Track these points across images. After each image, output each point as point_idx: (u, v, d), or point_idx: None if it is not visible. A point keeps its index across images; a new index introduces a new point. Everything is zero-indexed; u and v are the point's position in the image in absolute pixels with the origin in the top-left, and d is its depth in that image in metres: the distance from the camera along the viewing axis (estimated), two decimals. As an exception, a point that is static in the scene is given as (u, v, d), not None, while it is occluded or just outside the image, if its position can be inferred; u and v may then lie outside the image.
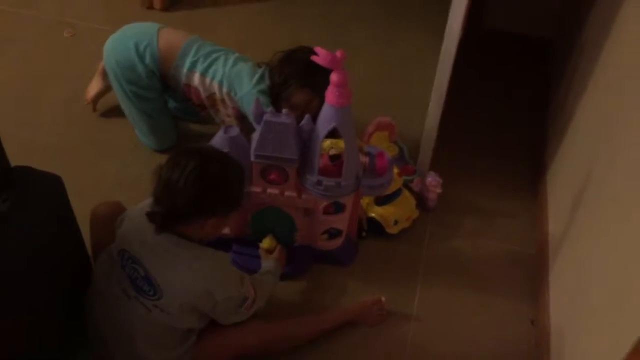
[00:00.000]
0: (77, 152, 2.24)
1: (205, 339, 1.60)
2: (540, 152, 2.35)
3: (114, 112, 2.36)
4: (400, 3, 3.12)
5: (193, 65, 2.09)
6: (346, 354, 1.77)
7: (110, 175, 2.18)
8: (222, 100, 2.12)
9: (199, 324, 1.58)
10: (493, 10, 2.88)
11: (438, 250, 2.06)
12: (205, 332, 1.61)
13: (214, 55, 2.09)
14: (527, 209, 2.20)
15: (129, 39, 2.12)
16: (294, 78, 2.00)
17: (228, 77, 2.06)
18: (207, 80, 2.09)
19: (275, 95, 2.04)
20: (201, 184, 1.43)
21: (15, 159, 1.46)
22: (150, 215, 1.47)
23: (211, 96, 2.13)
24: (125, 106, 2.22)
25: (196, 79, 2.10)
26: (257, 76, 2.04)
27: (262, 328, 1.66)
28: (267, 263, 1.82)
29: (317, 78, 1.82)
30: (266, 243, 1.87)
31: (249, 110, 1.95)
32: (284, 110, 1.69)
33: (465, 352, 1.80)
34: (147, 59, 2.10)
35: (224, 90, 2.08)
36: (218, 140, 1.74)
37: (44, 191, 1.46)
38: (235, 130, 1.74)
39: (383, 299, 1.85)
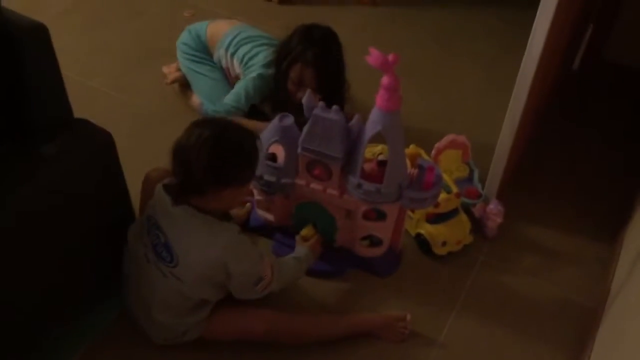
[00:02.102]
0: (161, 121, 2.38)
1: (214, 319, 1.63)
2: (628, 206, 2.13)
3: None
4: (515, 20, 2.97)
5: (227, 47, 2.24)
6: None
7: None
8: None
9: (212, 296, 1.61)
10: (616, 41, 2.65)
11: (485, 282, 1.94)
12: (217, 312, 1.64)
13: (247, 39, 2.20)
14: (597, 260, 2.00)
15: (187, 29, 2.40)
16: (288, 55, 2.07)
17: (248, 55, 2.16)
18: (235, 61, 2.21)
19: (277, 70, 2.11)
20: (217, 152, 1.45)
21: (103, 116, 1.60)
22: (166, 187, 1.53)
23: (238, 77, 2.24)
24: (191, 77, 2.35)
25: (228, 59, 2.25)
26: (268, 60, 2.11)
27: (272, 318, 1.66)
28: (299, 249, 1.81)
29: (305, 49, 2.02)
30: (305, 231, 1.87)
31: (246, 89, 2.16)
32: (334, 107, 1.68)
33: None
34: (196, 36, 2.33)
35: (242, 68, 2.19)
36: (271, 128, 1.78)
37: (93, 143, 1.57)
38: (289, 120, 1.76)
39: (409, 317, 1.78)
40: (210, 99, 2.29)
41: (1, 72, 1.38)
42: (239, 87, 2.20)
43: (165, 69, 2.51)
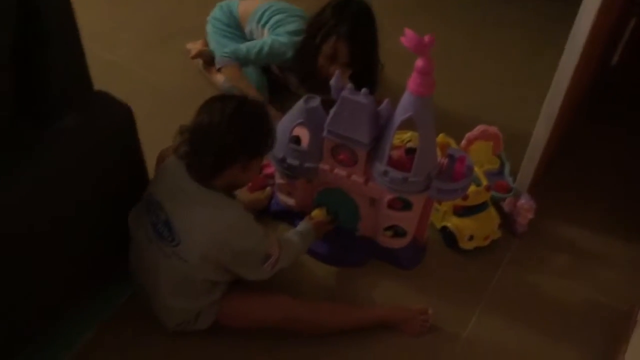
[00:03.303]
0: (181, 99, 2.30)
1: (231, 304, 1.58)
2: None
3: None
4: (552, 13, 2.85)
5: (259, 19, 2.21)
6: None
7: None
8: None
9: (217, 276, 1.55)
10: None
11: (513, 279, 1.86)
12: (232, 297, 1.59)
13: (278, 11, 2.17)
14: (630, 262, 1.91)
15: (218, 5, 2.36)
16: (321, 28, 2.03)
17: (276, 24, 2.13)
18: (265, 31, 2.17)
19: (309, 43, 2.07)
20: (245, 122, 1.45)
21: (124, 92, 1.56)
22: (184, 157, 1.47)
23: None
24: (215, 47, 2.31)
25: (259, 31, 2.21)
26: (296, 29, 2.09)
27: (290, 305, 1.61)
28: (302, 224, 1.76)
29: (340, 22, 1.99)
30: (316, 212, 1.80)
31: (263, 46, 2.13)
32: (363, 90, 1.60)
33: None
34: (228, 12, 2.31)
35: (269, 33, 2.17)
36: (296, 109, 1.71)
37: (113, 116, 1.52)
38: (315, 102, 1.69)
39: (430, 311, 1.71)
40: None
41: (23, 41, 1.33)
42: (258, 42, 2.17)
43: (189, 45, 2.45)
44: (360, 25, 2.01)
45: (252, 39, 2.28)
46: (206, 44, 2.42)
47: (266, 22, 2.21)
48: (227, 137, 1.43)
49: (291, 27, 2.15)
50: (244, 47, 2.18)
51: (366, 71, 2.06)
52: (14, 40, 1.30)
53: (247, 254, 1.52)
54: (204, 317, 1.59)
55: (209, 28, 2.36)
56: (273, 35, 2.16)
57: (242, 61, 2.18)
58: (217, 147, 1.44)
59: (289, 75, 2.26)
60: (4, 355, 1.51)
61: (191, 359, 1.63)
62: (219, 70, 2.23)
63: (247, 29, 2.29)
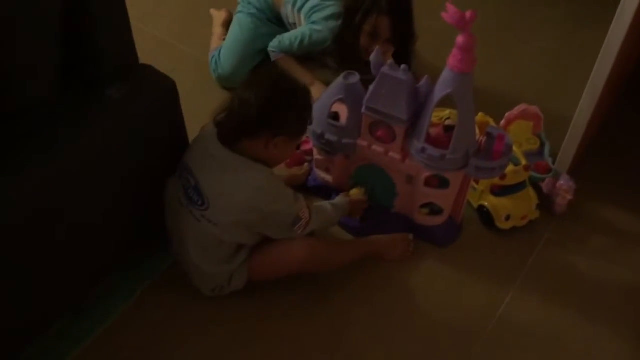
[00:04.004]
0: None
1: (259, 258, 1.63)
2: None
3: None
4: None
5: (294, 4, 2.20)
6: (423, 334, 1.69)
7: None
8: None
9: (248, 240, 1.60)
10: None
11: (549, 261, 1.85)
12: (258, 251, 1.63)
13: None
14: (673, 246, 1.88)
15: None
16: (360, 7, 2.03)
17: (314, 8, 2.12)
18: (301, 16, 2.18)
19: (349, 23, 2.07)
20: (272, 97, 1.49)
21: (167, 66, 1.62)
22: (219, 124, 1.52)
23: None
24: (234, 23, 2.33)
25: (295, 15, 2.21)
26: (332, 13, 2.09)
27: (309, 243, 1.66)
28: (338, 198, 1.81)
29: None
30: (354, 191, 1.83)
31: (302, 38, 2.16)
32: (403, 66, 1.60)
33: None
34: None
35: (305, 21, 2.16)
36: (335, 85, 1.72)
37: (158, 89, 1.56)
38: (355, 78, 1.70)
39: (411, 236, 1.83)
40: (227, 47, 2.28)
41: (70, 13, 1.37)
42: (297, 33, 2.19)
43: (213, 11, 2.51)
44: None
45: (287, 22, 2.29)
46: (230, 13, 2.45)
47: (302, 7, 2.20)
48: (251, 109, 1.48)
49: (327, 12, 2.14)
50: (286, 39, 2.21)
51: (403, 44, 2.06)
52: (64, 11, 1.34)
53: (277, 216, 1.56)
54: (236, 278, 1.64)
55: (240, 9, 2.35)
56: (310, 24, 2.17)
57: (287, 52, 2.22)
58: (242, 117, 1.49)
59: (328, 59, 2.27)
60: (47, 321, 1.59)
61: (231, 321, 1.69)
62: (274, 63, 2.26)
63: (282, 12, 2.28)
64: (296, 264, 1.64)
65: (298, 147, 2.03)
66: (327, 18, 2.13)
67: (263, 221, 1.56)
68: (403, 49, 2.06)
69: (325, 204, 1.76)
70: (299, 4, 2.21)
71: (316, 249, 1.66)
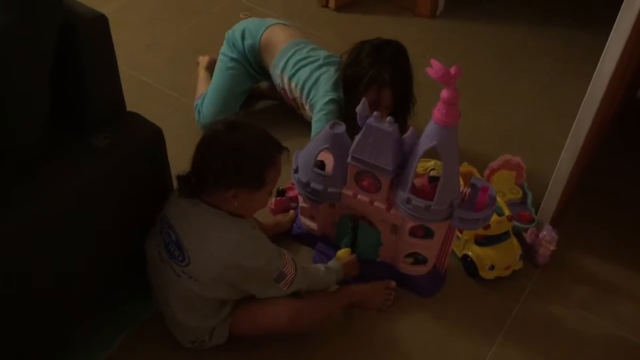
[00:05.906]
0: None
1: (241, 315, 1.61)
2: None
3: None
4: (577, 42, 2.86)
5: (284, 67, 2.16)
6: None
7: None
8: (303, 105, 2.17)
9: (228, 295, 1.57)
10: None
11: (533, 311, 1.85)
12: (239, 308, 1.61)
13: (304, 61, 2.13)
14: (655, 298, 1.90)
15: (243, 25, 2.28)
16: (361, 78, 1.99)
17: (308, 82, 2.10)
18: (293, 84, 2.15)
19: (349, 94, 2.03)
20: (217, 151, 1.47)
21: (154, 112, 1.62)
22: (178, 179, 1.52)
23: (295, 100, 2.19)
24: (217, 66, 2.31)
25: (285, 81, 2.17)
26: (332, 83, 2.05)
27: (295, 303, 1.63)
28: (332, 262, 1.80)
29: (380, 70, 1.96)
30: (340, 253, 1.83)
31: (318, 117, 2.06)
32: (389, 118, 1.63)
33: None
34: (247, 47, 2.23)
35: (304, 95, 2.12)
36: (322, 134, 1.74)
37: (143, 137, 1.57)
38: (341, 128, 1.72)
39: (393, 284, 1.82)
40: (209, 97, 2.27)
41: (60, 60, 1.38)
42: (316, 125, 2.07)
43: (200, 58, 2.52)
44: (400, 68, 2.00)
45: (277, 85, 2.24)
46: (213, 58, 2.44)
47: (292, 76, 2.14)
48: (200, 162, 1.48)
49: (326, 86, 2.08)
50: (314, 134, 2.08)
51: (402, 107, 2.05)
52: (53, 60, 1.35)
53: (258, 272, 1.53)
54: (218, 333, 1.62)
55: (225, 43, 2.31)
56: (317, 113, 2.07)
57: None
58: (193, 170, 1.50)
59: None
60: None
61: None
62: None
63: (271, 72, 2.23)
64: (279, 326, 1.62)
65: (283, 194, 2.04)
66: (328, 92, 2.06)
67: (245, 277, 1.53)
68: (401, 111, 2.05)
69: (319, 266, 1.75)
70: (288, 72, 2.15)
71: (300, 312, 1.62)
